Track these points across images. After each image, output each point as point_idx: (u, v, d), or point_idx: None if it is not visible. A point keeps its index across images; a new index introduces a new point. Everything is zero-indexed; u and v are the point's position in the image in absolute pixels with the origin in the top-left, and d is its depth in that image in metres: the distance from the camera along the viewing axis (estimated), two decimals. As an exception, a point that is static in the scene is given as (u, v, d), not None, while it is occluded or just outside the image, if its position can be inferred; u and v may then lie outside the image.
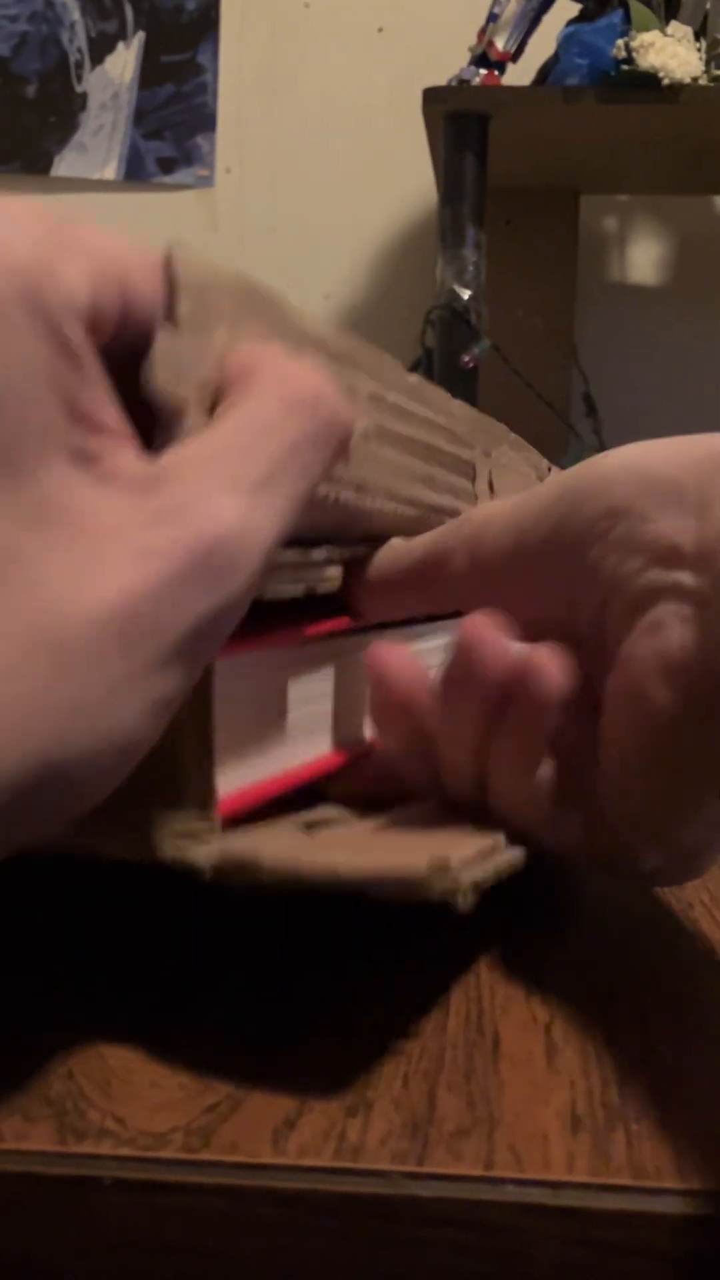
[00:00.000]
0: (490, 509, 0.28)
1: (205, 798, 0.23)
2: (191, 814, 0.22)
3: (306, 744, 0.27)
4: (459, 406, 0.35)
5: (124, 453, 0.18)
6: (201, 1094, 0.21)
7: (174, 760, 0.22)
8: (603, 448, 1.41)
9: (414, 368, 1.41)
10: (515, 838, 0.25)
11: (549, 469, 0.44)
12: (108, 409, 0.18)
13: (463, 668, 0.25)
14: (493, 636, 0.25)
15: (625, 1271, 0.19)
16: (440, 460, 0.32)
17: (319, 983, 0.26)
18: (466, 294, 1.25)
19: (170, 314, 0.20)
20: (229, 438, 0.19)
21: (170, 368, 0.20)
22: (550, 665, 0.24)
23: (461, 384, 1.29)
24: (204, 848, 0.22)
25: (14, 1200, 0.19)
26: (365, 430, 0.27)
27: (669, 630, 0.24)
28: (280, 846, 0.22)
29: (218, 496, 0.18)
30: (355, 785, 0.29)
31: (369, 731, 0.30)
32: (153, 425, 0.20)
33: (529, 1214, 0.19)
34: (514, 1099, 0.21)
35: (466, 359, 1.26)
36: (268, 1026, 0.24)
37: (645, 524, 0.24)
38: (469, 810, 0.27)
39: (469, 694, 0.25)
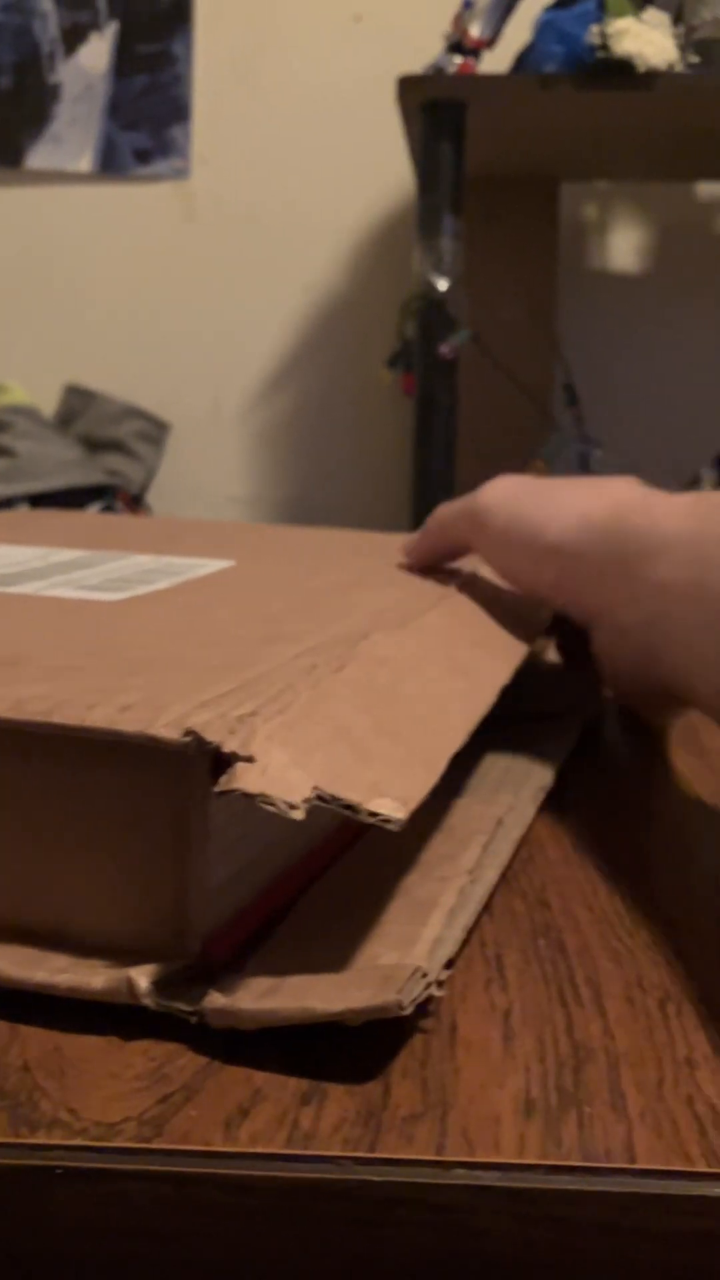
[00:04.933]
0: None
1: (189, 945, 0.23)
2: (176, 963, 0.23)
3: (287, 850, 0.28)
4: None
5: None
6: (157, 1084, 0.21)
7: (157, 908, 0.23)
8: (584, 439, 1.42)
9: (394, 359, 1.41)
10: None
11: None
12: None
13: None
14: None
15: (576, 1249, 0.19)
16: None
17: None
18: (444, 284, 1.25)
19: None
20: None
21: None
22: None
23: (441, 374, 1.29)
24: (187, 997, 0.23)
25: (-33, 1191, 0.19)
26: None
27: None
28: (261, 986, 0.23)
29: None
30: None
31: None
32: None
33: (479, 1196, 0.19)
34: (469, 1084, 0.21)
35: (445, 349, 1.25)
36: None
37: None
38: None
39: None
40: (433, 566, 0.45)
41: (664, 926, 0.29)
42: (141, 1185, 0.19)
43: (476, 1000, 0.25)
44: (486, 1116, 0.20)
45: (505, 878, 0.31)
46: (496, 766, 0.37)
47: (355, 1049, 0.22)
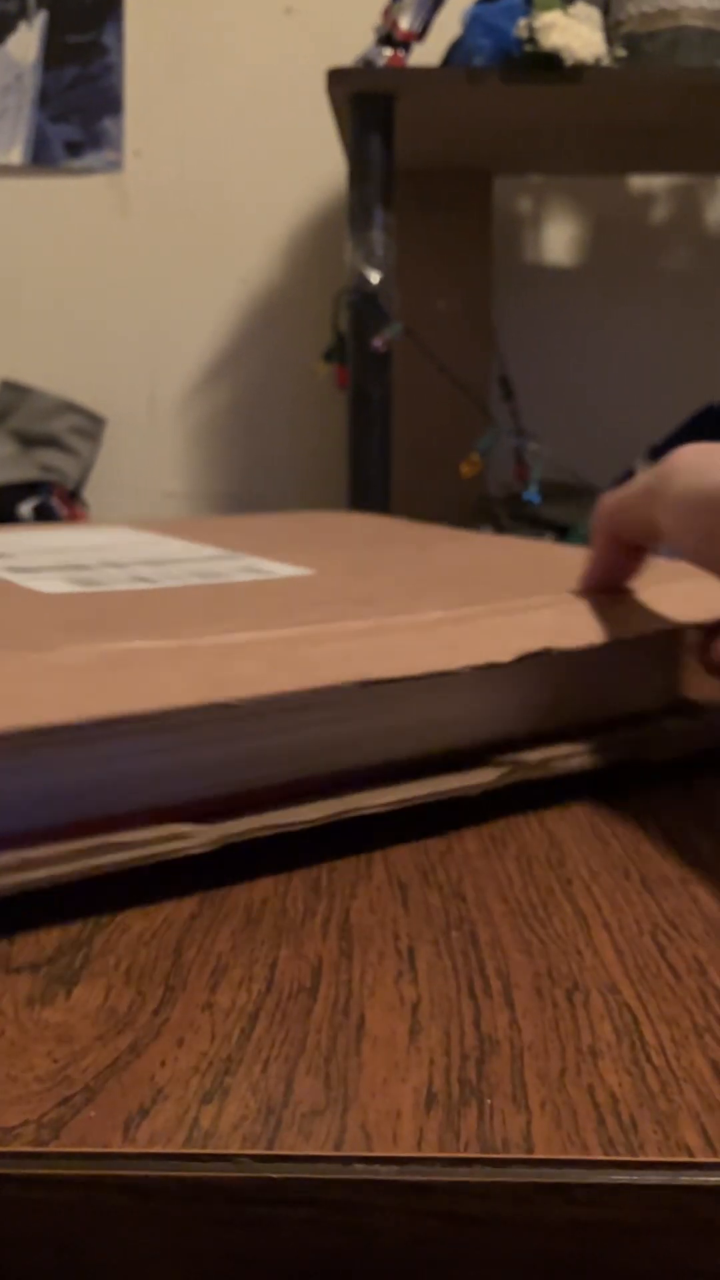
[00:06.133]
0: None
1: None
2: None
3: None
4: None
5: None
6: (58, 1086, 0.21)
7: None
8: (520, 432, 1.42)
9: (330, 353, 1.41)
10: None
11: None
12: None
13: None
14: None
15: (474, 1242, 0.19)
16: None
17: (188, 972, 0.26)
18: (376, 276, 1.25)
19: None
20: None
21: None
22: None
23: (375, 368, 1.29)
24: None
25: None
26: None
27: None
28: None
29: None
30: None
31: None
32: None
33: (376, 1190, 0.19)
34: (372, 1079, 0.21)
35: (377, 342, 1.25)
36: (135, 1016, 0.24)
37: None
38: None
39: None
40: (607, 583, 0.40)
41: (576, 917, 0.29)
42: (39, 1190, 0.19)
43: (385, 994, 0.25)
44: (387, 1111, 0.20)
45: (422, 871, 0.31)
46: None
47: (260, 1045, 0.22)
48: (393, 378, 1.29)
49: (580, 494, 1.36)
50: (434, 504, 1.35)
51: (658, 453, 1.34)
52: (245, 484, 1.80)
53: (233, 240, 1.75)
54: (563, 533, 1.31)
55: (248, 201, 1.74)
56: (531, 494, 1.29)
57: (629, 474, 1.34)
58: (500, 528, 1.33)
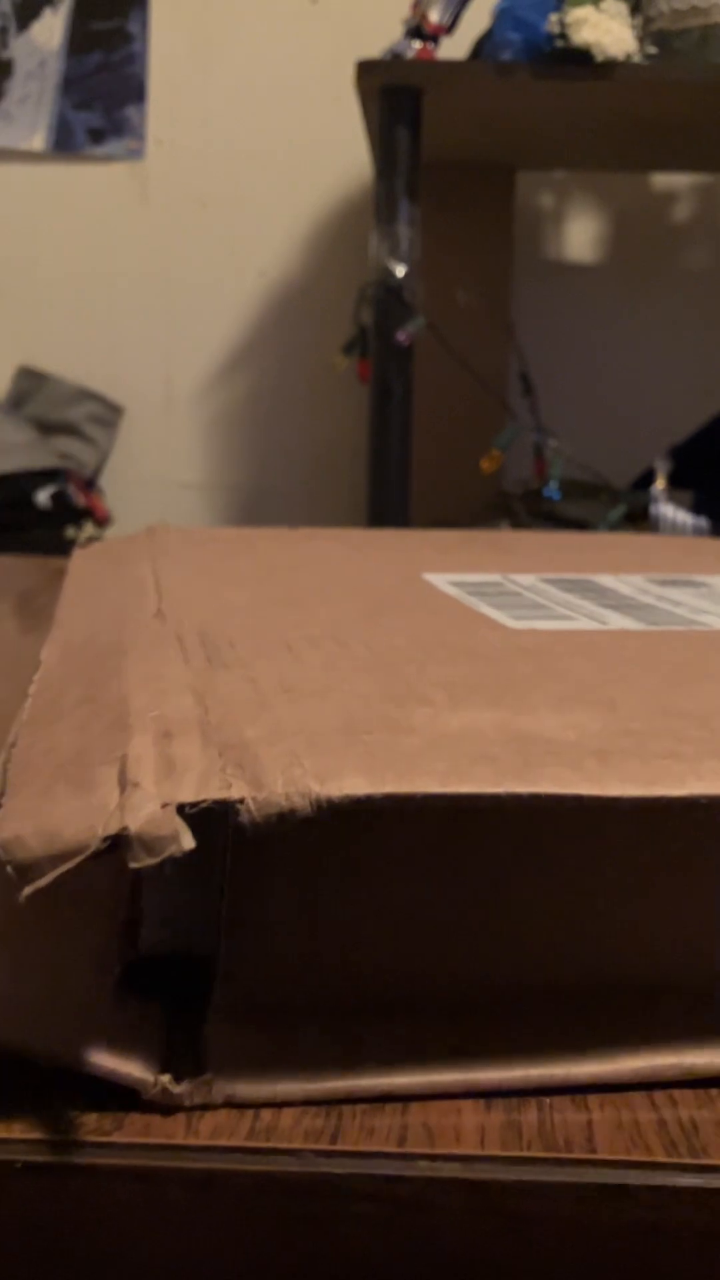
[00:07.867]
0: None
1: None
2: None
3: None
4: None
5: None
6: (116, 1076, 0.21)
7: None
8: (539, 429, 1.42)
9: (350, 346, 1.41)
10: None
11: None
12: None
13: None
14: None
15: (537, 1241, 0.19)
16: None
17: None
18: (401, 270, 1.25)
19: None
20: None
21: None
22: None
23: (397, 362, 1.28)
24: None
25: None
26: None
27: None
28: None
29: None
30: None
31: None
32: None
33: (441, 1188, 0.19)
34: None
35: (402, 336, 1.25)
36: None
37: None
38: None
39: None
40: None
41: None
42: (103, 1180, 0.19)
43: (436, 990, 0.25)
44: (447, 1108, 0.20)
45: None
46: None
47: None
48: (414, 372, 1.29)
49: (599, 492, 1.36)
50: (453, 499, 1.35)
51: (678, 452, 1.33)
52: (261, 476, 1.80)
53: (252, 231, 1.74)
54: (581, 530, 1.31)
55: (269, 192, 1.73)
56: (551, 491, 1.29)
57: (649, 473, 1.34)
58: (518, 524, 1.33)
